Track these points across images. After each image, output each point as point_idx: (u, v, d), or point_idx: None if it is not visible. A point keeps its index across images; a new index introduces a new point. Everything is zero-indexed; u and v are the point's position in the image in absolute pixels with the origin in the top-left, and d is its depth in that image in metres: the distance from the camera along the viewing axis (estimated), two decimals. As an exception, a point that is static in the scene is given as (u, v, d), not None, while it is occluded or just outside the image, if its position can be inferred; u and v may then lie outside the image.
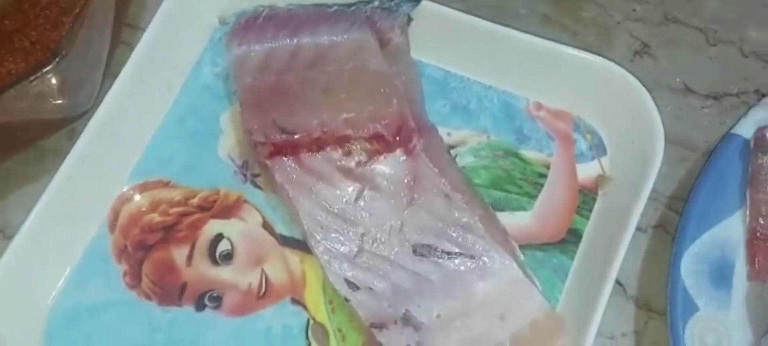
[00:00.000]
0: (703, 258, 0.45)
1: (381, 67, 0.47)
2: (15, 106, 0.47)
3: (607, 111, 0.49)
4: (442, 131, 0.51)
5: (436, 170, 0.46)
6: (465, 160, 0.50)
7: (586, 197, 0.48)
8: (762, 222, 0.45)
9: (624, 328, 0.47)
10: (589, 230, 0.47)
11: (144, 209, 0.49)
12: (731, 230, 0.46)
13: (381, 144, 0.47)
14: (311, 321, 0.46)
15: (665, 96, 0.52)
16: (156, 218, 0.49)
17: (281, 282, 0.47)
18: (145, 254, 0.48)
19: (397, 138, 0.47)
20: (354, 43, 0.47)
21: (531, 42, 0.49)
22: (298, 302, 0.47)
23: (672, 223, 0.48)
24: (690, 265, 0.44)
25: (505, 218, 0.48)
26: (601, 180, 0.49)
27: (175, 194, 0.50)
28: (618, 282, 0.45)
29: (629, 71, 0.48)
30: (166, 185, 0.50)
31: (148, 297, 0.47)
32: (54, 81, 0.48)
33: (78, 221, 0.48)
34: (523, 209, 0.49)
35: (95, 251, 0.48)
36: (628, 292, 0.48)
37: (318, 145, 0.47)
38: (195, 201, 0.49)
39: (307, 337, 0.46)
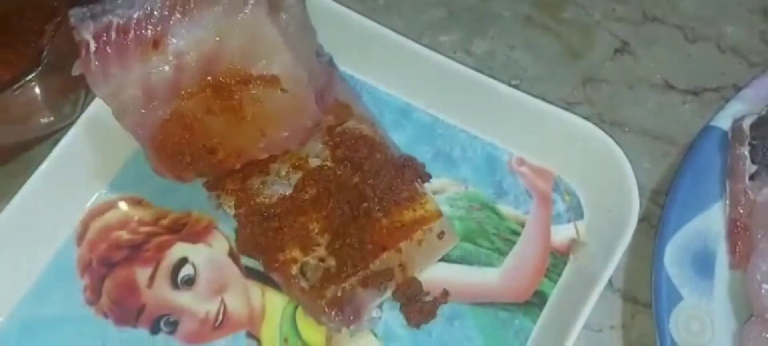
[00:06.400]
0: (686, 248, 0.45)
1: (287, 70, 0.42)
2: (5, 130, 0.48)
3: (588, 175, 0.48)
4: (422, 177, 0.50)
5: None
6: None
7: (556, 260, 0.47)
8: (741, 211, 0.45)
9: (612, 321, 0.47)
10: (555, 294, 0.46)
11: (114, 225, 0.49)
12: (712, 221, 0.46)
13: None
14: (263, 358, 0.46)
15: (646, 92, 0.53)
16: (124, 235, 0.49)
17: (240, 314, 0.47)
18: (108, 271, 0.48)
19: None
20: (245, 37, 0.41)
21: (519, 98, 0.48)
22: (253, 336, 0.46)
23: (656, 216, 0.49)
24: (673, 255, 0.45)
25: (473, 273, 0.47)
26: (574, 245, 0.47)
27: (147, 214, 0.49)
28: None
29: (601, 127, 0.47)
30: (139, 202, 0.50)
31: (106, 315, 0.47)
32: (37, 90, 0.49)
33: (46, 230, 0.48)
34: (491, 265, 0.48)
35: (60, 263, 0.48)
36: (615, 285, 0.48)
37: (242, 177, 0.46)
38: (165, 222, 0.49)
39: (257, 367, 0.46)
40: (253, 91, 0.42)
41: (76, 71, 0.41)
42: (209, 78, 0.41)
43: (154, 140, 0.43)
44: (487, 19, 0.56)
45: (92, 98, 0.49)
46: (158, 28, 0.40)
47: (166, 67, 0.41)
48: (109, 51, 0.41)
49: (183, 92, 0.42)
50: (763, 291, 0.43)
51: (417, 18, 0.56)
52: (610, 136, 0.47)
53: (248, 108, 0.42)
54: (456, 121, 0.51)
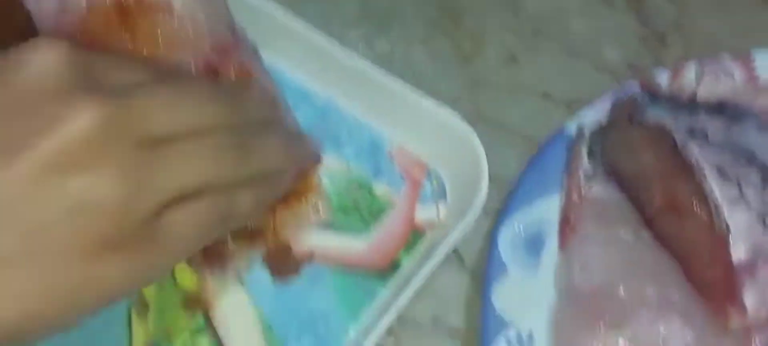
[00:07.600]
0: (521, 229, 0.51)
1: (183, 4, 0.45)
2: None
3: (453, 163, 0.53)
4: (310, 153, 0.55)
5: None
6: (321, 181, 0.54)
7: (416, 235, 0.52)
8: (573, 202, 0.51)
9: (458, 294, 0.53)
10: (406, 263, 0.51)
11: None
12: (549, 209, 0.52)
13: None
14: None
15: (526, 99, 0.59)
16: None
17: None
18: None
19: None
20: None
21: (401, 91, 0.53)
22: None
23: None
24: (507, 234, 0.50)
25: (343, 241, 0.52)
26: (432, 223, 0.52)
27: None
28: (459, 255, 0.52)
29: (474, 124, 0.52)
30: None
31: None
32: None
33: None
34: (359, 236, 0.53)
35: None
36: (467, 265, 0.54)
37: None
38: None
39: (129, 307, 0.50)
40: (148, 15, 0.45)
41: None
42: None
43: None
44: (393, 17, 0.62)
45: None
46: None
47: None
48: None
49: (90, 8, 0.45)
50: (576, 270, 0.48)
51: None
52: (486, 132, 0.52)
53: (145, 29, 0.45)
54: (347, 107, 0.56)
